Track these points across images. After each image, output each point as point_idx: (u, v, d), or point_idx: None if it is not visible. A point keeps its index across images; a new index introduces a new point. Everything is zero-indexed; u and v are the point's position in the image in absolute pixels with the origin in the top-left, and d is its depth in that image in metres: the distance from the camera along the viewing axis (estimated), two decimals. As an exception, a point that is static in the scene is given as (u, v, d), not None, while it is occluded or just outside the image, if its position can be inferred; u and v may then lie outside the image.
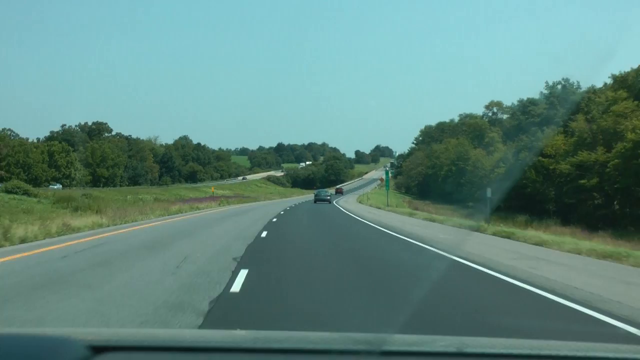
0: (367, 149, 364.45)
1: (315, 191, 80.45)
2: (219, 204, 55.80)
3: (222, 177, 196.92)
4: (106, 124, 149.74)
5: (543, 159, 50.88)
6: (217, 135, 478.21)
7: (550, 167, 49.77)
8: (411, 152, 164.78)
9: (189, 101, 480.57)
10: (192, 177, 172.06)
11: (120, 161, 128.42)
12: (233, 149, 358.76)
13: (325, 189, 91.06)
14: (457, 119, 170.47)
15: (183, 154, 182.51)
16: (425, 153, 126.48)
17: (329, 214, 39.83)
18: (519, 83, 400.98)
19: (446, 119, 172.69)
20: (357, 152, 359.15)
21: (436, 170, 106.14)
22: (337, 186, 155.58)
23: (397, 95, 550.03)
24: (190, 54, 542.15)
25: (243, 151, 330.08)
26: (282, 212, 39.41)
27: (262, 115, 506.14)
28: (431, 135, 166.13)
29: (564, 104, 56.90)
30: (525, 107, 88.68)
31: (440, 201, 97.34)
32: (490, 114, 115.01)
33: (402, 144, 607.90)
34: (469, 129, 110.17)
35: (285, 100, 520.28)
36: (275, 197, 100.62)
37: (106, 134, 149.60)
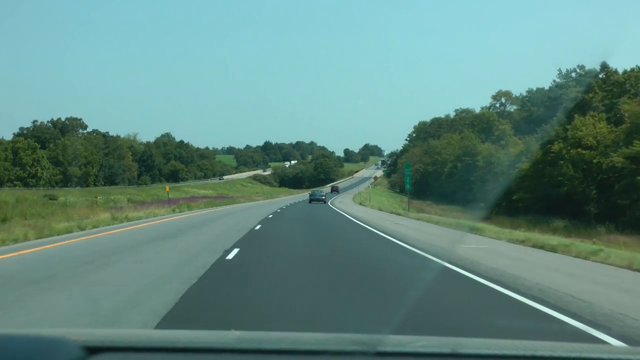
0: (355, 148, 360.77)
1: (310, 191, 79.77)
2: (173, 210, 41.91)
3: (206, 177, 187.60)
4: (80, 119, 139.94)
5: (583, 151, 42.19)
6: (203, 134, 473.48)
7: (594, 161, 41.04)
8: (405, 149, 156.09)
9: (176, 100, 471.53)
10: (173, 176, 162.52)
11: (94, 159, 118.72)
12: (220, 148, 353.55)
13: (320, 189, 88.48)
14: (452, 115, 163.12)
15: (165, 152, 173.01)
16: (423, 149, 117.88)
17: (338, 230, 27.01)
18: (514, 79, 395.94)
19: (435, 116, 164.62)
20: (346, 151, 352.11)
21: (437, 167, 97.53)
22: (333, 184, 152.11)
23: (385, 93, 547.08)
24: (177, 51, 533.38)
25: (230, 150, 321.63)
26: (256, 228, 25.26)
27: (249, 115, 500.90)
28: (426, 131, 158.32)
29: (602, 87, 48.29)
30: (535, 96, 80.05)
31: (442, 201, 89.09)
32: (497, 105, 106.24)
33: (391, 143, 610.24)
34: (475, 122, 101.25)
35: (273, 100, 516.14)
36: (260, 197, 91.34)
37: (81, 131, 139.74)
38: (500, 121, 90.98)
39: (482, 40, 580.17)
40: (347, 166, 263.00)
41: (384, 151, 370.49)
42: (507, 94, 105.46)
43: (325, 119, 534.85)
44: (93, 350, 1.85)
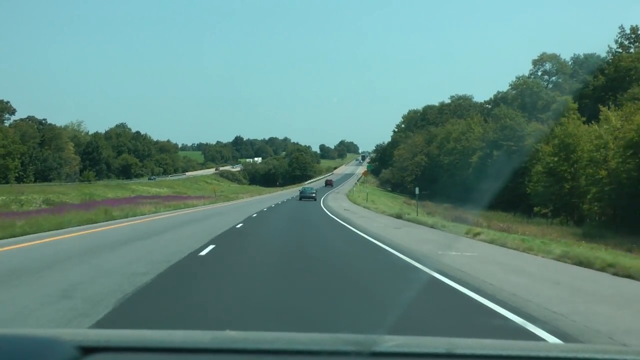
0: (331, 145, 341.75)
1: (301, 188, 79.38)
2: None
3: (165, 172, 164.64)
4: (8, 103, 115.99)
5: None
6: (172, 130, 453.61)
7: None
8: (395, 141, 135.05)
9: (137, 91, 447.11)
10: (125, 172, 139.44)
11: (15, 150, 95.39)
12: (190, 144, 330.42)
13: (310, 186, 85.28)
14: (448, 101, 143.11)
15: (117, 145, 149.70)
16: (424, 137, 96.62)
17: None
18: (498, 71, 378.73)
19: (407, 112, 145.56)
20: (322, 147, 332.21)
21: (455, 157, 76.24)
22: (327, 178, 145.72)
23: (360, 90, 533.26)
24: (149, 46, 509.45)
25: (200, 147, 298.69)
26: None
27: (221, 111, 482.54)
28: (423, 119, 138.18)
29: None
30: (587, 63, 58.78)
31: (459, 202, 67.71)
32: (539, 74, 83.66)
33: (367, 140, 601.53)
34: (510, 98, 79.16)
35: (246, 97, 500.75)
36: (221, 200, 68.11)
37: (8, 116, 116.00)
38: (547, 92, 69.47)
39: (468, 34, 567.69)
40: (324, 162, 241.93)
41: (360, 148, 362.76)
42: (553, 57, 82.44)
43: (300, 116, 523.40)
44: (87, 350, 1.84)
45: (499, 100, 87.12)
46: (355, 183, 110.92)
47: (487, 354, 2.10)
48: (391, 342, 2.22)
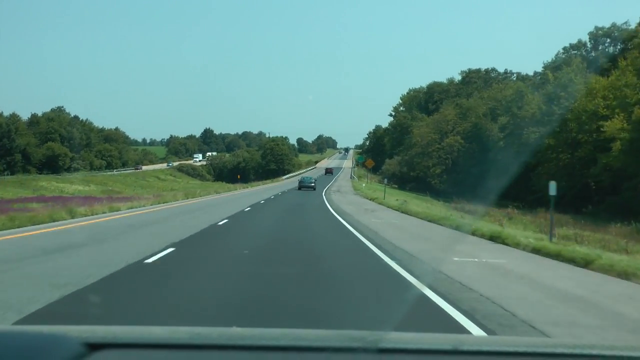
0: (309, 139, 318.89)
1: (300, 178, 79.13)
2: None
3: (109, 166, 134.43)
4: None
5: None
6: (141, 126, 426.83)
7: None
8: (398, 125, 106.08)
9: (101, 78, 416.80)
10: (50, 164, 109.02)
11: None
12: (159, 139, 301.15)
13: (310, 176, 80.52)
14: (459, 78, 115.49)
15: (46, 131, 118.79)
16: (456, 112, 68.00)
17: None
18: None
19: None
20: (299, 141, 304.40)
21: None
22: (327, 167, 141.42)
23: (336, 87, 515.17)
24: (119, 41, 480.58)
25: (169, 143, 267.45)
26: None
27: (194, 107, 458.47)
28: (431, 99, 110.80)
29: None
30: None
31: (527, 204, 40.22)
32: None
33: (345, 136, 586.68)
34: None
35: (220, 91, 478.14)
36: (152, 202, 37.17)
37: None
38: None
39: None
40: (303, 157, 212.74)
41: (339, 143, 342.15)
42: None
43: (276, 111, 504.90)
44: (94, 346, 1.83)
45: (555, 68, 60.46)
46: (352, 177, 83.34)
47: (494, 351, 2.04)
48: (397, 339, 2.21)
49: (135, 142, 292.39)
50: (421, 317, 6.97)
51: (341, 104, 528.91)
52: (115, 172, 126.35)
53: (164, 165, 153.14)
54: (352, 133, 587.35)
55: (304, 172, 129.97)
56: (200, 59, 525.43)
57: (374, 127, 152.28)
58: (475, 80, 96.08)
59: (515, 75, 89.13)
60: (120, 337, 2.04)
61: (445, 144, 68.21)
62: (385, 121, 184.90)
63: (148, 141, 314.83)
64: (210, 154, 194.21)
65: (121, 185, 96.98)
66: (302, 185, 65.85)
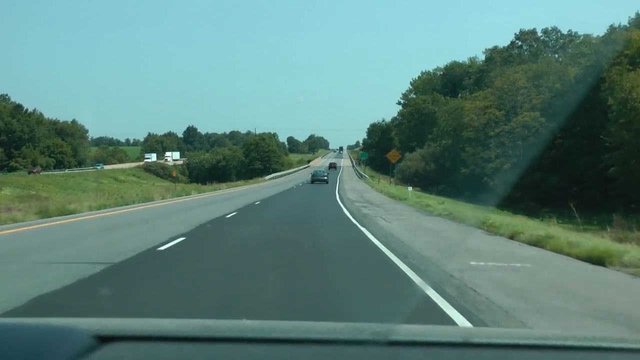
0: (300, 138, 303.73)
1: (312, 171, 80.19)
2: None
3: (61, 165, 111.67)
4: None
5: None
6: (123, 125, 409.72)
7: None
8: (417, 110, 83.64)
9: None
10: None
11: None
12: (142, 140, 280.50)
13: (322, 170, 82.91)
14: (481, 58, 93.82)
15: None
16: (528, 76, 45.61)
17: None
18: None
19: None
20: (290, 140, 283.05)
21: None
22: (330, 161, 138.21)
23: (328, 88, 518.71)
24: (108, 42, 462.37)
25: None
26: None
27: (180, 107, 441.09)
28: (451, 82, 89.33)
29: None
30: None
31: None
32: None
33: (337, 137, 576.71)
34: None
35: (206, 91, 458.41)
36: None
37: None
38: None
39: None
40: (294, 156, 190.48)
41: (330, 144, 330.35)
42: None
43: (266, 111, 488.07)
44: (104, 339, 1.82)
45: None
46: (359, 178, 61.94)
47: (504, 343, 1.99)
48: (407, 331, 2.21)
49: (118, 142, 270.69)
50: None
51: (333, 104, 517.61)
52: (67, 171, 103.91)
53: (123, 165, 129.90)
54: (344, 133, 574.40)
55: (294, 172, 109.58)
56: (186, 57, 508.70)
57: (371, 125, 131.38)
58: (532, 43, 73.64)
59: (581, 37, 67.57)
60: (130, 330, 2.02)
61: (516, 124, 45.32)
62: (382, 118, 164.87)
63: (132, 141, 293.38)
64: (188, 153, 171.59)
65: (55, 189, 74.39)
66: (315, 179, 66.40)
